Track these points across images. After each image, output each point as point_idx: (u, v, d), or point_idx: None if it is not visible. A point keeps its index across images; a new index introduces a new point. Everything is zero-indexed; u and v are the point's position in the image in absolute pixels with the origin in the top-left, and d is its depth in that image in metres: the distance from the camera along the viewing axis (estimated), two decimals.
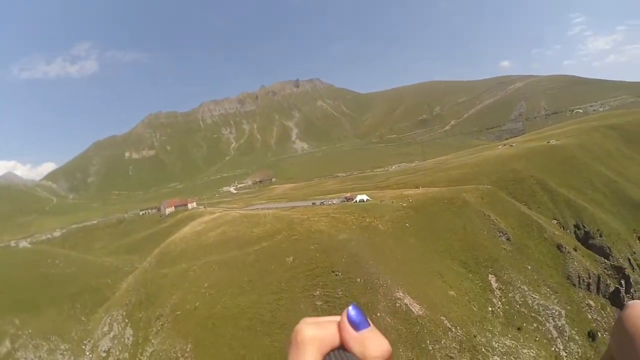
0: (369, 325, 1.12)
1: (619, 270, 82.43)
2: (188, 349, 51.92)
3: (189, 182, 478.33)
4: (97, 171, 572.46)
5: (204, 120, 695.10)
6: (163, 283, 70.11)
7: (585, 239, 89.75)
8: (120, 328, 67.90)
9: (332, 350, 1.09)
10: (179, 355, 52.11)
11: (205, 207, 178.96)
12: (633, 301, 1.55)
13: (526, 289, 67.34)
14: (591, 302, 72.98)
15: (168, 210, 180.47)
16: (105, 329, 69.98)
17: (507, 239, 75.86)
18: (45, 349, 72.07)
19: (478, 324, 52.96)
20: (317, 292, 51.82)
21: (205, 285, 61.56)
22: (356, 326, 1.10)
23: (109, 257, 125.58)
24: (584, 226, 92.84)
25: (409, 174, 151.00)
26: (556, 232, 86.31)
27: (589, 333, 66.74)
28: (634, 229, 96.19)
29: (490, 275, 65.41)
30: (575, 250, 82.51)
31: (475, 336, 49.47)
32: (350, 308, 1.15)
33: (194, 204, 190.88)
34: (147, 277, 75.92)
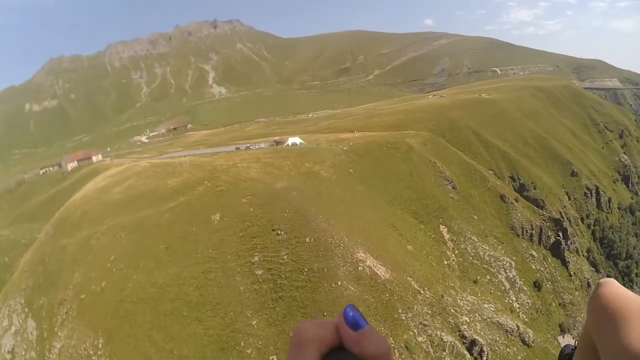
0: (367, 324, 1.09)
1: (556, 223, 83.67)
2: (100, 344, 39.95)
3: (96, 134, 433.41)
4: None
5: (111, 64, 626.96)
6: (63, 258, 56.42)
7: (520, 191, 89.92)
8: (20, 320, 53.48)
9: (331, 350, 1.07)
10: (91, 352, 40.05)
11: (111, 159, 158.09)
12: (605, 279, 1.57)
13: (476, 239, 63.82)
14: (534, 253, 72.95)
15: (70, 166, 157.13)
16: (5, 323, 54.84)
17: (453, 188, 70.63)
18: None
19: (441, 281, 47.02)
20: (256, 259, 41.66)
21: (112, 258, 48.86)
22: (354, 326, 1.08)
23: (6, 229, 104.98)
24: (519, 178, 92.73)
25: (339, 119, 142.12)
26: (497, 183, 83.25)
27: (534, 283, 66.49)
28: (562, 184, 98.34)
29: (441, 226, 59.98)
30: (516, 201, 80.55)
31: (442, 296, 43.68)
32: (347, 308, 1.11)
33: (100, 157, 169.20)
34: (45, 252, 61.41)
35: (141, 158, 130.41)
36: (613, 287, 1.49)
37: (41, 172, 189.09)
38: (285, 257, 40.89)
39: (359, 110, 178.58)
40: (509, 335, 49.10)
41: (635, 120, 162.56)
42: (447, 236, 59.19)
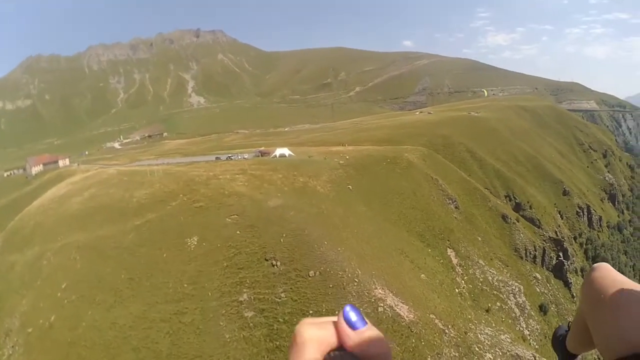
0: (367, 323, 1.08)
1: (557, 243, 79.31)
2: None
3: (69, 137, 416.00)
4: None
5: (90, 66, 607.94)
6: (10, 278, 47.94)
7: (516, 211, 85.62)
8: None
9: (332, 350, 1.06)
10: None
11: (78, 164, 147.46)
12: (598, 263, 1.59)
13: (483, 263, 58.07)
14: (538, 275, 67.94)
15: (35, 170, 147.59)
16: None
17: (456, 207, 64.98)
18: None
19: (460, 314, 40.05)
20: (245, 296, 33.39)
21: (63, 285, 40.35)
22: (353, 325, 1.07)
23: None
24: (514, 197, 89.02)
25: (324, 132, 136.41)
26: (498, 202, 78.27)
27: (540, 307, 60.90)
28: (555, 204, 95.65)
29: (448, 250, 53.66)
30: (517, 221, 75.93)
31: (466, 332, 36.46)
32: (347, 308, 1.10)
33: (67, 162, 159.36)
34: None
35: (110, 165, 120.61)
36: (606, 271, 1.50)
37: (5, 174, 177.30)
38: (283, 294, 32.62)
39: (343, 124, 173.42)
40: None
41: (616, 140, 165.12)
42: (455, 261, 53.06)
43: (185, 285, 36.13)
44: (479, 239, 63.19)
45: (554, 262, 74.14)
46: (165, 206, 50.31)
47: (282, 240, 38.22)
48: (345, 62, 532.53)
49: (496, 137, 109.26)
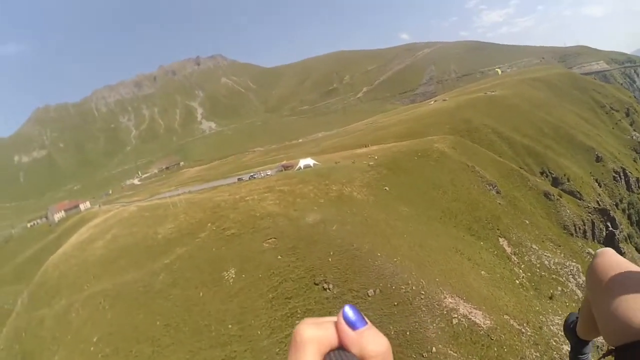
0: (366, 323, 1.07)
1: (603, 213, 75.30)
2: None
3: (87, 181, 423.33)
4: None
5: (98, 109, 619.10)
6: (40, 334, 45.53)
7: (555, 186, 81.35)
8: None
9: (332, 350, 1.06)
10: None
11: (100, 205, 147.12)
12: (603, 249, 1.59)
13: (536, 247, 54.05)
14: (590, 250, 63.12)
15: (57, 217, 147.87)
16: None
17: (497, 192, 61.37)
18: None
19: (528, 308, 36.49)
20: None
21: (95, 339, 37.36)
22: (353, 325, 1.07)
23: None
24: (550, 172, 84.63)
25: (342, 137, 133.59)
26: (538, 180, 74.54)
27: None
28: (590, 172, 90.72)
29: (500, 239, 50.07)
30: (560, 196, 72.08)
31: (540, 327, 32.86)
32: (346, 308, 1.09)
33: (88, 204, 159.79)
34: (21, 326, 50.70)
35: (130, 202, 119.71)
36: (610, 257, 1.50)
37: (28, 225, 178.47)
38: None
39: (358, 126, 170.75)
40: (599, 351, 39.23)
41: (635, 96, 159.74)
42: (508, 250, 49.47)
43: (230, 325, 32.60)
44: (527, 222, 59.55)
45: (604, 233, 70.81)
46: (194, 239, 47.03)
47: (330, 259, 34.62)
48: (347, 64, 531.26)
49: (518, 112, 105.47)
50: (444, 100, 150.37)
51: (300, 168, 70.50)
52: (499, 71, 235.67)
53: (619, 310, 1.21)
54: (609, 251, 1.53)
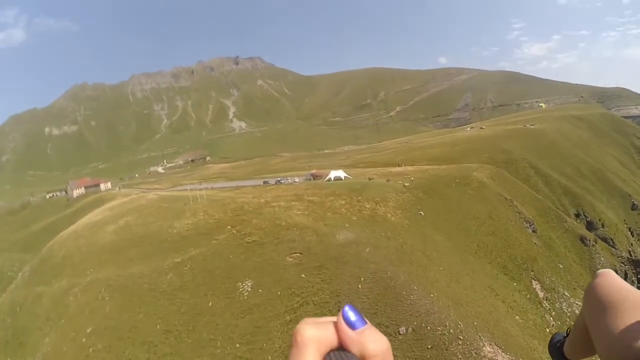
0: (366, 323, 1.08)
1: (636, 264, 70.39)
2: None
3: (113, 162, 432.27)
4: (13, 148, 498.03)
5: (133, 94, 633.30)
6: (36, 312, 44.02)
7: (588, 230, 77.61)
8: None
9: (332, 350, 1.06)
10: None
11: (120, 188, 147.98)
12: (603, 270, 1.60)
13: (568, 294, 50.75)
14: None
15: (76, 193, 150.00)
16: None
17: (534, 231, 58.43)
18: None
19: None
20: None
21: (89, 330, 34.72)
22: (353, 325, 1.07)
23: None
24: (585, 215, 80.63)
25: (374, 152, 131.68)
26: (575, 223, 71.25)
27: None
28: (624, 220, 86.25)
29: (534, 282, 47.23)
30: (595, 242, 68.63)
31: None
32: (346, 308, 1.10)
33: (109, 185, 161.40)
34: (17, 299, 49.51)
35: (151, 189, 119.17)
36: (610, 279, 1.52)
37: (47, 196, 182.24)
38: None
39: (390, 144, 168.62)
40: None
41: None
42: (541, 294, 46.53)
43: (238, 345, 29.05)
44: (560, 266, 56.25)
45: (635, 286, 66.56)
46: (211, 240, 43.48)
47: (360, 286, 31.26)
48: (383, 82, 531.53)
49: (556, 149, 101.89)
50: (481, 128, 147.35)
51: (330, 179, 68.72)
52: (544, 105, 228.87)
53: (619, 331, 1.22)
54: (610, 272, 1.52)
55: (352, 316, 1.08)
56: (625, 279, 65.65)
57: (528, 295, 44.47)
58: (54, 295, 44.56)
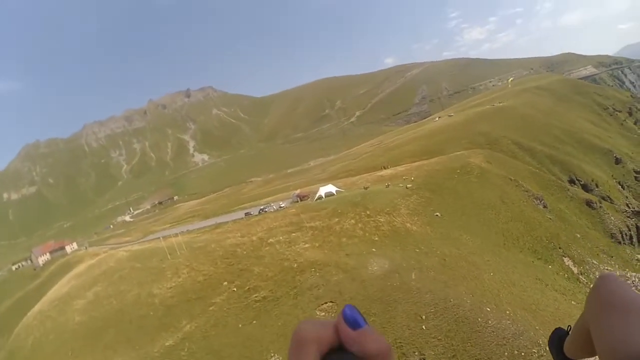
0: (366, 323, 1.07)
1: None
2: None
3: (78, 218, 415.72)
4: None
5: (89, 144, 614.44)
6: None
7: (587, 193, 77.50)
8: None
9: (332, 349, 1.05)
10: None
11: (86, 247, 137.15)
12: (606, 273, 1.55)
13: (596, 262, 48.36)
14: (639, 256, 57.94)
15: (42, 260, 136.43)
16: None
17: (544, 207, 55.95)
18: None
19: None
20: None
21: None
22: (353, 325, 1.06)
23: None
24: (578, 180, 79.87)
25: (350, 160, 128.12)
26: (576, 189, 69.67)
27: None
28: (612, 175, 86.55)
29: (565, 259, 44.11)
30: (600, 204, 67.58)
31: None
32: (346, 308, 1.09)
33: (74, 245, 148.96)
34: None
35: (120, 244, 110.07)
36: (613, 282, 1.48)
37: (13, 268, 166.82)
38: None
39: (363, 148, 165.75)
40: None
41: (632, 96, 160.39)
42: (575, 270, 43.50)
43: None
44: (578, 235, 53.87)
45: None
46: (206, 307, 34.48)
47: (423, 326, 24.44)
48: (337, 90, 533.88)
49: (530, 122, 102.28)
50: (450, 115, 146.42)
51: (321, 197, 63.64)
52: (509, 81, 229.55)
53: (622, 335, 1.21)
54: (613, 276, 1.45)
55: (351, 316, 1.07)
56: (638, 232, 64.66)
57: (565, 275, 41.24)
58: None
